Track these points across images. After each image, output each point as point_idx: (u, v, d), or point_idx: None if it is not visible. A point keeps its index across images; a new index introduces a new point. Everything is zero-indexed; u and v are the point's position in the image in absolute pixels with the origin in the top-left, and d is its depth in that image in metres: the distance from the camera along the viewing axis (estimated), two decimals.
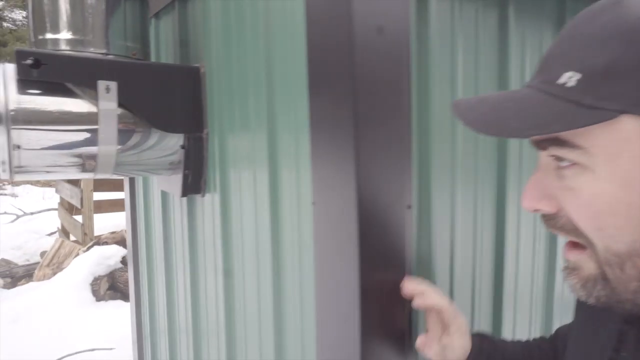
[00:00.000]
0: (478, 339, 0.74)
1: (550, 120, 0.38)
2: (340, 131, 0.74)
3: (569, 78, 0.38)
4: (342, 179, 0.74)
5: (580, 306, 0.57)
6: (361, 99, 0.71)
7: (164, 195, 1.65)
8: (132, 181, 2.01)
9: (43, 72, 1.06)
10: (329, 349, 0.82)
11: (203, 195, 1.39)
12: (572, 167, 0.40)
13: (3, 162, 1.06)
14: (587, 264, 0.42)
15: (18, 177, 1.11)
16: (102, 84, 1.11)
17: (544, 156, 0.43)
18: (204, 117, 1.33)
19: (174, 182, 1.41)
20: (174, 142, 1.32)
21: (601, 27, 0.37)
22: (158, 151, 1.30)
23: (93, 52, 1.19)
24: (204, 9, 1.31)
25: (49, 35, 1.17)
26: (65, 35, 1.18)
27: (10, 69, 1.06)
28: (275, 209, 1.04)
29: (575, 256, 0.43)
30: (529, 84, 0.43)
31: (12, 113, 1.04)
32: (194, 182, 1.37)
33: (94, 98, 1.13)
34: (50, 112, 1.09)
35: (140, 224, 1.96)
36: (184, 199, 1.48)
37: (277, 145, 1.02)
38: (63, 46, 1.18)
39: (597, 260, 0.41)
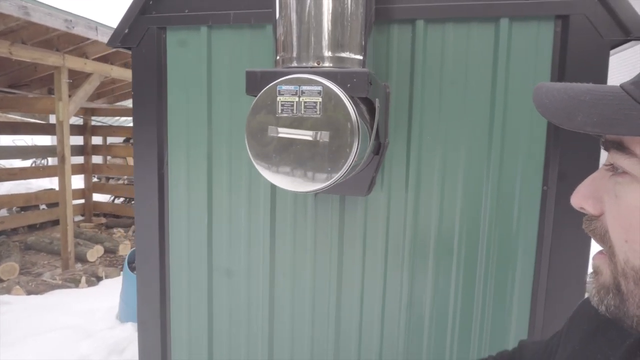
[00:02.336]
0: None
1: (615, 120, 0.36)
2: None
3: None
4: None
5: (576, 328, 0.56)
6: None
7: (281, 195, 1.74)
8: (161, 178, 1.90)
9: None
10: None
11: (368, 194, 1.63)
12: (625, 175, 0.40)
13: None
14: (605, 271, 0.43)
15: None
16: (376, 101, 1.28)
17: (608, 159, 0.42)
18: (387, 128, 1.57)
19: (349, 185, 1.58)
20: (369, 150, 1.52)
21: None
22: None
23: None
24: (388, 38, 1.55)
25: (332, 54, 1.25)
26: (348, 54, 1.27)
27: None
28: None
29: (599, 260, 0.43)
30: (622, 84, 0.39)
31: None
32: (374, 182, 1.59)
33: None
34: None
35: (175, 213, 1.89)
36: (322, 198, 1.67)
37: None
38: (349, 64, 1.27)
39: (614, 270, 0.42)
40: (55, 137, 6.88)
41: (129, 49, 1.83)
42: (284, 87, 1.18)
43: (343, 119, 1.15)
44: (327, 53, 1.25)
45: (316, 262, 1.73)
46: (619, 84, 0.40)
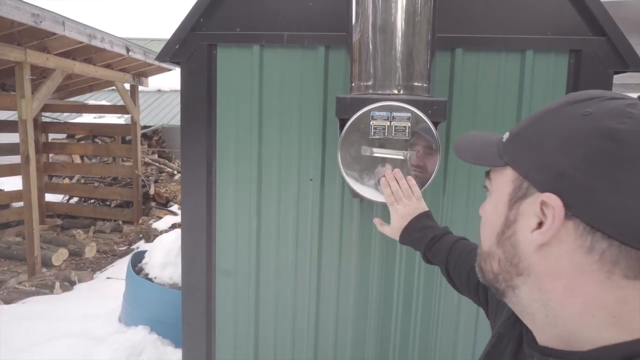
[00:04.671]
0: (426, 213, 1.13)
1: (481, 156, 0.60)
2: None
3: (506, 135, 0.58)
4: None
5: None
6: None
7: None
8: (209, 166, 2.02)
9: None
10: None
11: None
12: (488, 192, 0.61)
13: None
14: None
15: None
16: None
17: None
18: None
19: None
20: None
21: (543, 108, 0.55)
22: None
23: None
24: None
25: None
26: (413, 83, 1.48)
27: None
28: None
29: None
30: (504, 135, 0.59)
31: None
32: None
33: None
34: None
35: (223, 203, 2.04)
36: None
37: None
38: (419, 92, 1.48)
39: (480, 255, 0.62)
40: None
41: (177, 63, 1.92)
42: (377, 113, 1.37)
43: (428, 141, 1.37)
44: (404, 82, 1.46)
45: (361, 260, 1.94)
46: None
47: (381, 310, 1.97)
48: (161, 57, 1.90)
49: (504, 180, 0.56)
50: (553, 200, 0.49)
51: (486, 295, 0.90)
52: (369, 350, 1.99)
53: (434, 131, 1.37)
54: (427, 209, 1.12)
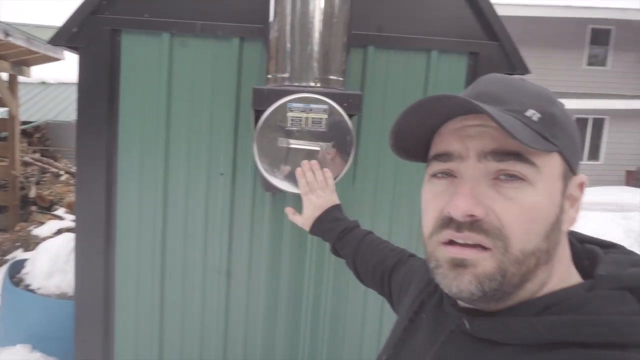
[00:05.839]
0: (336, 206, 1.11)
1: (533, 139, 0.48)
2: None
3: (533, 114, 0.50)
4: None
5: (423, 277, 0.71)
6: None
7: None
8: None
9: None
10: None
11: None
12: (514, 181, 0.49)
13: None
14: (485, 262, 0.49)
15: None
16: None
17: (478, 169, 0.51)
18: None
19: None
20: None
21: (539, 89, 0.54)
22: None
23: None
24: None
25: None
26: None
27: None
28: None
29: (476, 255, 0.50)
30: (504, 110, 0.50)
31: None
32: None
33: None
34: None
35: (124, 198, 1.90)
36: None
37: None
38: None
39: (503, 260, 0.49)
40: None
41: (75, 49, 1.73)
42: (294, 105, 1.35)
43: (343, 133, 1.38)
44: (320, 75, 1.45)
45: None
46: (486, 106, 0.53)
47: (291, 306, 1.95)
48: (55, 40, 1.69)
49: (554, 167, 0.51)
50: (584, 179, 0.55)
51: (390, 286, 0.93)
52: (279, 345, 1.96)
53: (349, 123, 1.39)
54: (339, 202, 1.14)
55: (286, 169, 1.38)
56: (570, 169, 0.53)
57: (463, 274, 0.50)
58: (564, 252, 0.53)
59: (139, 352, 1.93)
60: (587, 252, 0.57)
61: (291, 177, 1.38)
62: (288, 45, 1.44)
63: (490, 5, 1.82)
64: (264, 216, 1.88)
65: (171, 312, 1.92)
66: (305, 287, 1.94)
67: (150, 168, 1.82)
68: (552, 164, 0.51)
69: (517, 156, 0.49)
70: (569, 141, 0.53)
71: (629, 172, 15.19)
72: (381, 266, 0.97)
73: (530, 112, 0.50)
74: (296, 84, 1.43)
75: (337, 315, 1.97)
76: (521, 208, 0.49)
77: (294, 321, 1.96)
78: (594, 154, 15.51)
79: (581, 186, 0.55)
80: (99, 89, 1.74)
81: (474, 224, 0.50)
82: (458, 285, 0.51)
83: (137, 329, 1.92)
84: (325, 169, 1.15)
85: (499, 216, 0.49)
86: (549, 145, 0.50)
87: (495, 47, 1.85)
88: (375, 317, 2.00)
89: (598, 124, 15.31)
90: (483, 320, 0.53)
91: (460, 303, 0.58)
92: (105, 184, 1.80)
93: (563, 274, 0.53)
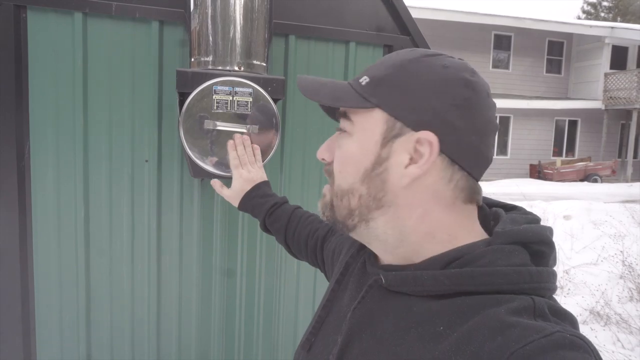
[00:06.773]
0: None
1: (341, 98, 0.62)
2: None
3: (364, 79, 0.61)
4: None
5: (353, 243, 0.78)
6: None
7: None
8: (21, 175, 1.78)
9: None
10: None
11: None
12: (342, 134, 0.64)
13: None
14: (328, 195, 0.67)
15: None
16: None
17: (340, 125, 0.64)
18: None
19: None
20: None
21: (388, 57, 0.63)
22: None
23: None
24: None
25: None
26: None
27: None
28: None
29: (325, 189, 0.68)
30: (350, 81, 0.64)
31: None
32: None
33: None
34: None
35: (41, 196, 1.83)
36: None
37: None
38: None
39: (332, 193, 0.65)
40: None
41: None
42: (219, 87, 1.39)
43: (269, 115, 1.44)
44: (243, 59, 1.50)
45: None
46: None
47: (225, 286, 1.97)
48: None
49: (373, 121, 0.60)
50: (431, 137, 0.57)
51: (322, 255, 1.00)
52: (215, 328, 1.98)
53: (274, 106, 1.45)
54: (267, 179, 1.19)
55: (214, 158, 1.41)
56: (405, 125, 0.58)
57: (320, 202, 0.69)
58: (419, 206, 0.59)
59: (64, 351, 1.85)
60: (493, 214, 0.65)
61: (220, 162, 1.41)
62: (210, 31, 1.47)
63: (401, 2, 1.97)
64: (193, 202, 1.89)
65: (98, 305, 1.86)
66: (239, 265, 1.98)
67: (68, 158, 1.75)
68: (368, 118, 0.60)
69: (344, 115, 0.63)
70: (401, 100, 0.58)
71: (532, 166, 16.76)
72: (313, 237, 1.04)
73: (363, 79, 0.62)
74: (220, 67, 1.47)
75: (270, 289, 2.03)
76: (340, 153, 0.64)
77: (229, 303, 1.98)
78: (502, 150, 16.92)
79: (425, 143, 0.57)
80: (3, 73, 1.64)
81: (326, 166, 0.67)
82: (319, 209, 0.69)
83: (61, 327, 1.83)
84: (255, 146, 1.20)
85: (334, 160, 0.65)
86: (362, 102, 0.60)
87: (407, 41, 2.01)
88: (309, 288, 2.07)
89: (505, 122, 16.72)
90: (396, 274, 0.60)
91: (380, 261, 0.67)
92: (17, 173, 1.70)
93: (467, 233, 0.60)
